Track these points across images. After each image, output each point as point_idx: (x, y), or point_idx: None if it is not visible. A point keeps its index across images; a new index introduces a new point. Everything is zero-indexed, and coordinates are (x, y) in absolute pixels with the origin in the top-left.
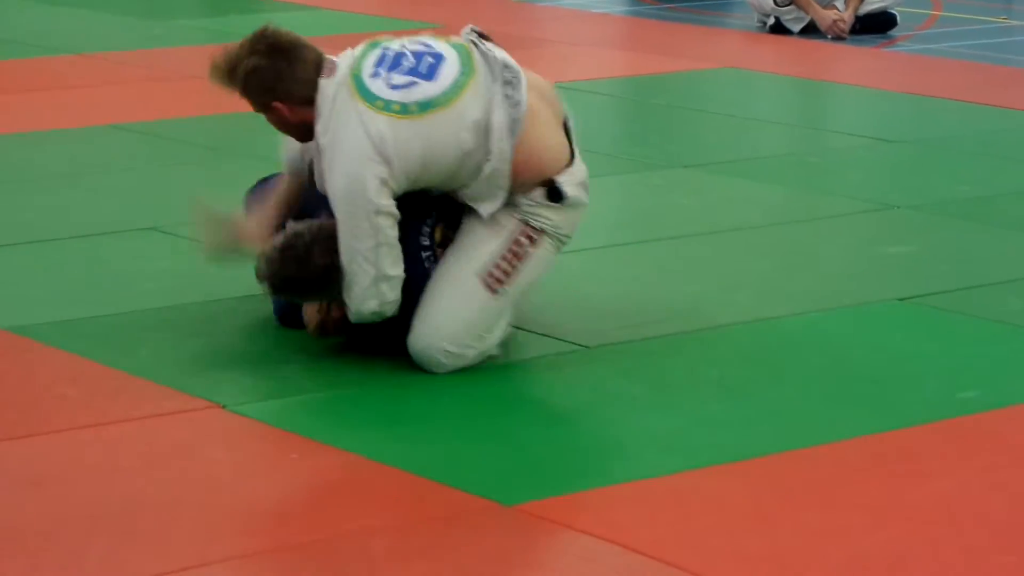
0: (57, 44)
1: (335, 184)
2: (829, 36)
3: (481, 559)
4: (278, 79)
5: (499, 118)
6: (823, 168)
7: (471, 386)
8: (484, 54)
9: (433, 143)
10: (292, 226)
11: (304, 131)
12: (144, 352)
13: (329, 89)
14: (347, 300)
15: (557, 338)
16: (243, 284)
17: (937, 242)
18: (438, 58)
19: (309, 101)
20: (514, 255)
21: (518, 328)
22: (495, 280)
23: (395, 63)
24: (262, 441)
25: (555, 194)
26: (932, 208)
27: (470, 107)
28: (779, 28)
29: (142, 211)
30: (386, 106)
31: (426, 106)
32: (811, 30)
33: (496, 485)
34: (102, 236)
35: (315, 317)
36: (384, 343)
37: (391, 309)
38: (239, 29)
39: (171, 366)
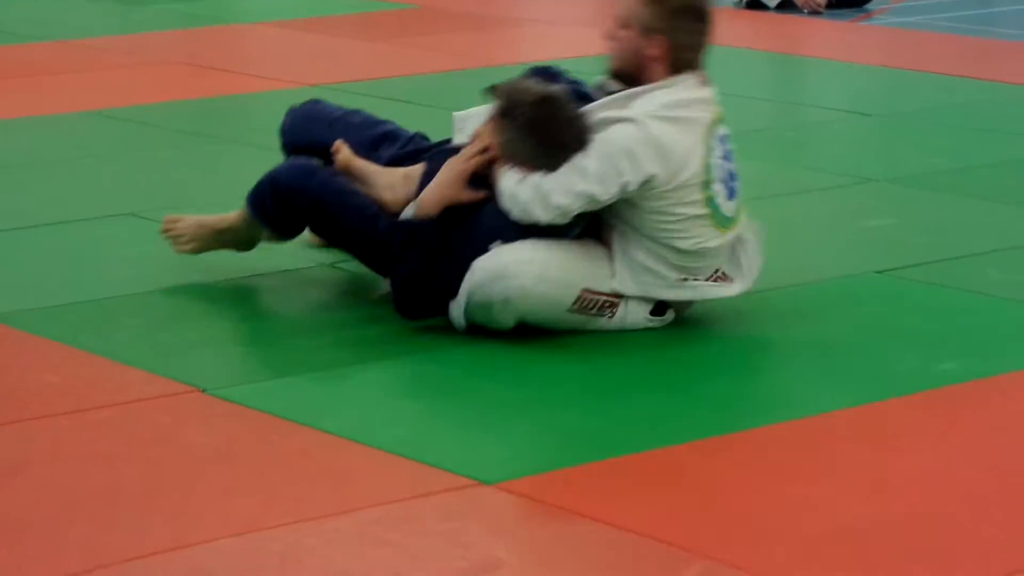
0: (35, 31)
1: (624, 133)
2: (805, 11)
3: (465, 537)
4: (682, 32)
5: None
6: (800, 142)
7: (451, 365)
8: None
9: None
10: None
11: (628, 63)
12: (124, 337)
13: (680, 92)
14: (514, 194)
15: None
16: (222, 269)
17: (915, 214)
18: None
19: (652, 69)
20: None
21: None
22: None
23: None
24: (242, 424)
25: None
26: (910, 181)
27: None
28: (755, 3)
29: (121, 197)
30: (714, 205)
31: (725, 222)
32: (787, 5)
33: (478, 463)
34: (81, 222)
35: (387, 195)
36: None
37: (524, 219)
38: (218, 13)
39: (151, 351)
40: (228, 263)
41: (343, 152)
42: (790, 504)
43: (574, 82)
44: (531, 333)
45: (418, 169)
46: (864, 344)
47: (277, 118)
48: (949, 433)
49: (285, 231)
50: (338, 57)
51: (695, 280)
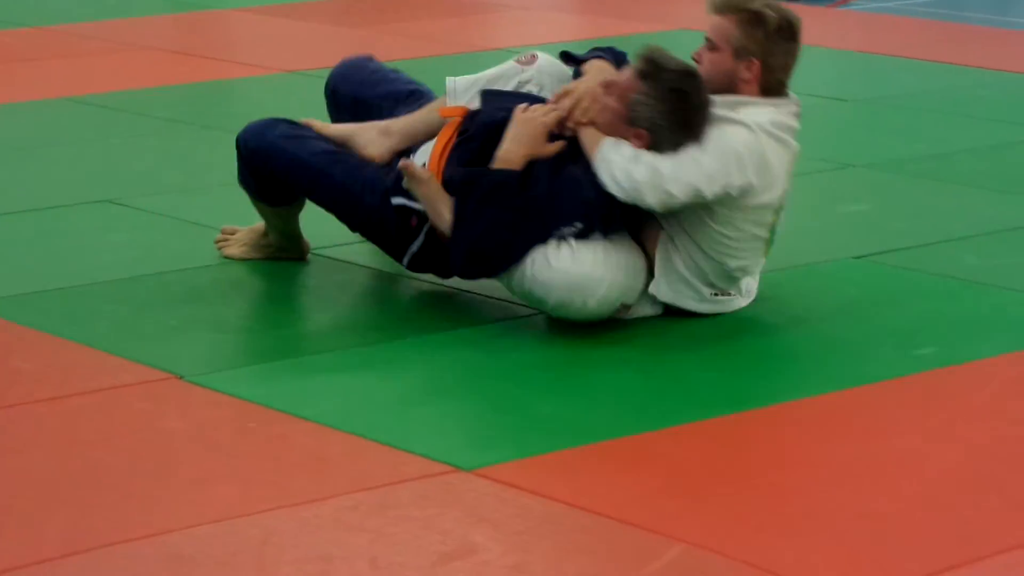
0: (11, 16)
1: (739, 136)
2: None
3: (442, 523)
4: (775, 55)
5: None
6: None
7: (429, 352)
8: None
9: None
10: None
11: (718, 84)
12: (101, 324)
13: (783, 114)
14: (627, 171)
15: (516, 303)
16: (200, 256)
17: (892, 200)
18: None
19: (743, 79)
20: None
21: (478, 295)
22: None
23: None
24: (220, 411)
25: None
26: (887, 166)
27: None
28: None
29: (98, 183)
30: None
31: (769, 250)
32: None
33: (456, 450)
34: (58, 209)
35: (370, 151)
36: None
37: (627, 197)
38: None
39: (128, 338)
40: (205, 251)
41: (313, 123)
42: (768, 489)
43: None
44: (508, 321)
45: (398, 123)
46: (842, 330)
47: (257, 104)
48: (926, 418)
49: (270, 196)
50: (317, 43)
51: (723, 296)
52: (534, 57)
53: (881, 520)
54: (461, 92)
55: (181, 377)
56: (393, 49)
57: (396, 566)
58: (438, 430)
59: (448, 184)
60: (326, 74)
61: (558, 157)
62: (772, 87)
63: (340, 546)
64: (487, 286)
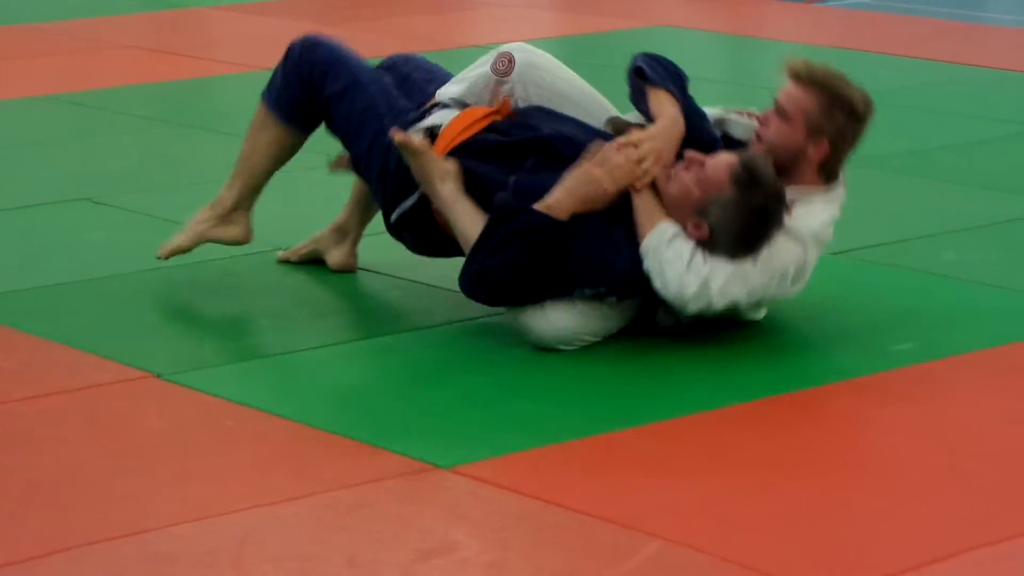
0: None
1: (790, 256)
2: None
3: (421, 521)
4: (846, 140)
5: None
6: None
7: (406, 350)
8: None
9: None
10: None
11: (781, 156)
12: (79, 323)
13: (835, 207)
14: (682, 284)
15: None
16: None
17: (871, 196)
18: None
19: (809, 166)
20: None
21: (454, 292)
22: None
23: None
24: (199, 410)
25: None
26: (865, 162)
27: None
28: None
29: (77, 182)
30: None
31: None
32: None
33: (434, 448)
34: (36, 208)
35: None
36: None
37: (672, 299)
38: None
39: (106, 337)
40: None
41: (398, 135)
42: (745, 486)
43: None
44: (484, 321)
45: (453, 164)
46: (819, 325)
47: (235, 102)
48: (904, 414)
49: (292, 114)
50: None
51: None
52: (511, 63)
53: (858, 515)
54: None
55: (159, 376)
56: (372, 46)
57: (374, 564)
58: (415, 428)
59: (489, 202)
60: None
61: (606, 210)
62: (832, 168)
63: (318, 544)
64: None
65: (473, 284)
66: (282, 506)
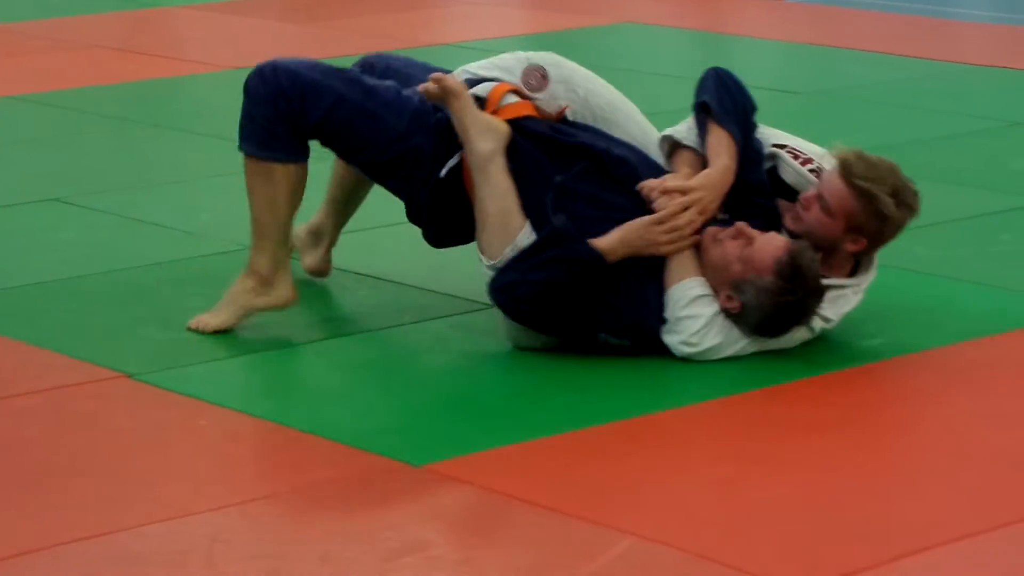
0: None
1: (800, 337)
2: None
3: (393, 518)
4: (883, 237)
5: None
6: None
7: (378, 348)
8: None
9: None
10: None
11: (817, 243)
12: (48, 323)
13: (861, 294)
14: (703, 347)
15: (463, 298)
16: (147, 254)
17: None
18: None
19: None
20: None
21: (428, 290)
22: None
23: None
24: (170, 409)
25: None
26: None
27: None
28: None
29: (46, 182)
30: None
31: None
32: None
33: (405, 446)
34: (5, 208)
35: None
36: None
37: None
38: None
39: (76, 337)
40: (153, 249)
41: (444, 80)
42: (716, 483)
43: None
44: (455, 320)
45: (505, 126)
46: None
47: (202, 102)
48: (874, 409)
49: (291, 150)
50: (265, 40)
51: None
52: (544, 80)
53: (827, 511)
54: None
55: (130, 376)
56: (341, 45)
57: (347, 562)
58: (388, 426)
59: (524, 187)
60: None
61: (644, 264)
62: (864, 259)
63: (290, 543)
64: (438, 282)
65: (503, 292)
66: (254, 505)
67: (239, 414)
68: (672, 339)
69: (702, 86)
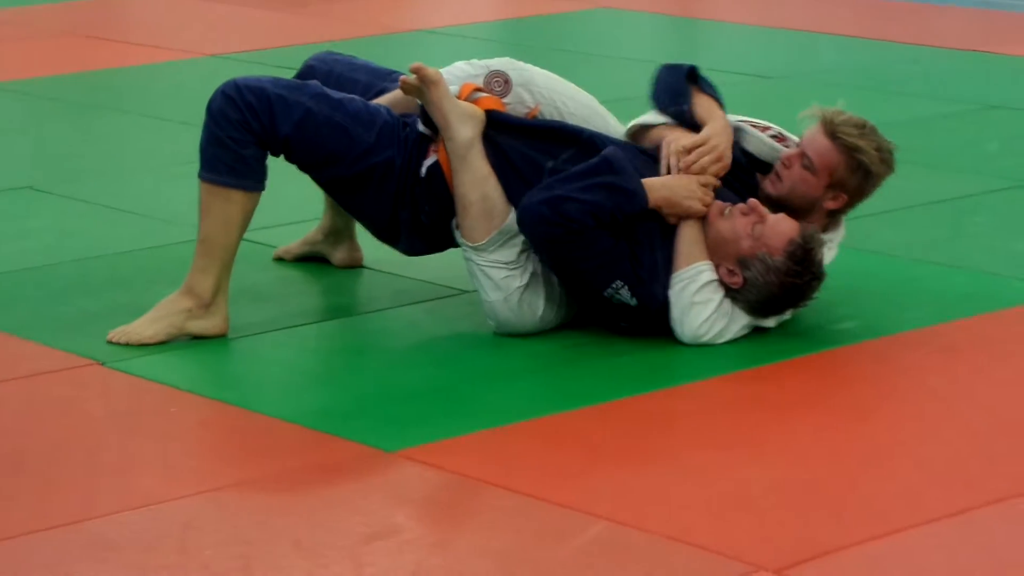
0: None
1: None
2: None
3: (365, 504)
4: (861, 196)
5: None
6: None
7: (350, 335)
8: None
9: None
10: None
11: (798, 201)
12: (22, 311)
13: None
14: (709, 317)
15: (437, 284)
16: (120, 241)
17: None
18: None
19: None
20: None
21: (399, 275)
22: None
23: None
24: (142, 396)
25: None
26: None
27: None
28: None
29: (16, 170)
30: None
31: None
32: None
33: (378, 432)
34: None
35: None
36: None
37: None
38: None
39: (49, 324)
40: (125, 236)
41: (424, 69)
42: (689, 466)
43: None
44: (427, 306)
45: (481, 112)
46: None
47: (173, 89)
48: (846, 393)
49: (260, 174)
50: (234, 26)
51: None
52: (508, 84)
53: (799, 494)
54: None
55: (102, 363)
56: (314, 31)
57: (320, 547)
58: (360, 413)
59: (512, 178)
60: (246, 57)
61: (655, 231)
62: (838, 216)
63: (263, 529)
64: (411, 268)
65: (548, 205)
66: (226, 492)
67: (211, 401)
68: (681, 328)
69: (659, 78)
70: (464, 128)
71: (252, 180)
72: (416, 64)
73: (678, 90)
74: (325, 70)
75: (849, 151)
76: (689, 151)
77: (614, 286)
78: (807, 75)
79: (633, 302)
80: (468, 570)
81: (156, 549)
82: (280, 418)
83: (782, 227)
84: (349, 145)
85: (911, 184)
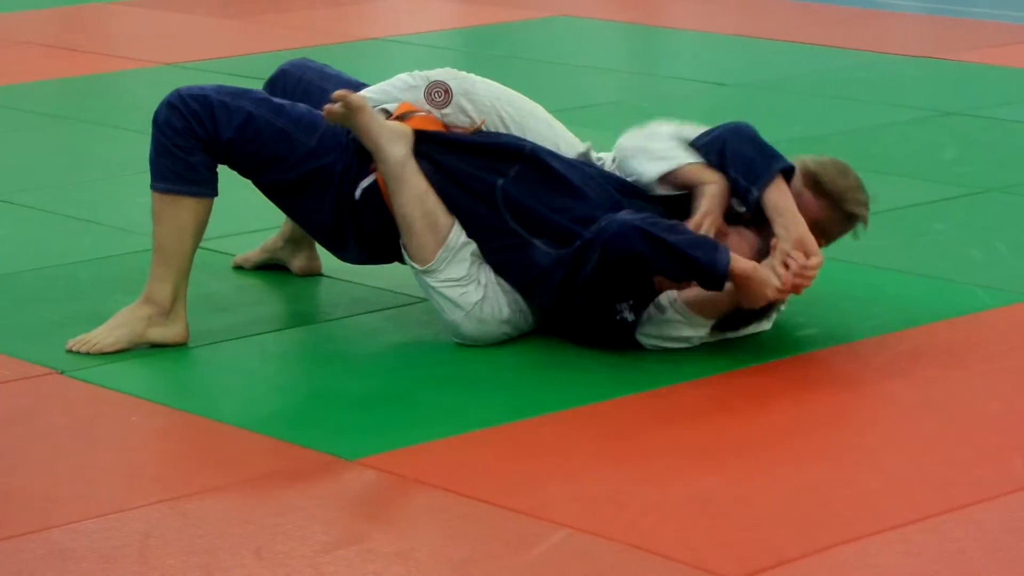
0: None
1: None
2: None
3: (326, 512)
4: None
5: None
6: (655, 114)
7: (310, 343)
8: None
9: None
10: None
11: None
12: None
13: None
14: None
15: (396, 292)
16: (80, 250)
17: None
18: None
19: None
20: None
21: (359, 284)
22: None
23: None
24: (103, 405)
25: None
26: None
27: None
28: None
29: None
30: None
31: None
32: None
33: (339, 440)
34: None
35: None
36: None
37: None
38: None
39: (8, 333)
40: (86, 246)
41: (347, 96)
42: (650, 473)
43: None
44: (388, 313)
45: (409, 128)
46: None
47: (137, 98)
48: (806, 400)
49: (211, 179)
50: (197, 35)
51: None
52: (448, 95)
53: (760, 501)
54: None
55: (62, 372)
56: (272, 40)
57: (281, 555)
58: (320, 420)
59: (462, 196)
60: (207, 66)
61: None
62: None
63: (224, 538)
64: (370, 275)
65: (646, 227)
66: (187, 501)
67: (171, 410)
68: (647, 336)
69: (736, 142)
70: (395, 148)
71: (203, 187)
72: (339, 91)
73: (758, 173)
74: (296, 76)
75: (838, 206)
76: (800, 265)
77: (627, 304)
78: (763, 82)
79: (631, 318)
80: None
81: (116, 559)
82: (240, 426)
83: (744, 245)
84: (290, 149)
85: (868, 192)
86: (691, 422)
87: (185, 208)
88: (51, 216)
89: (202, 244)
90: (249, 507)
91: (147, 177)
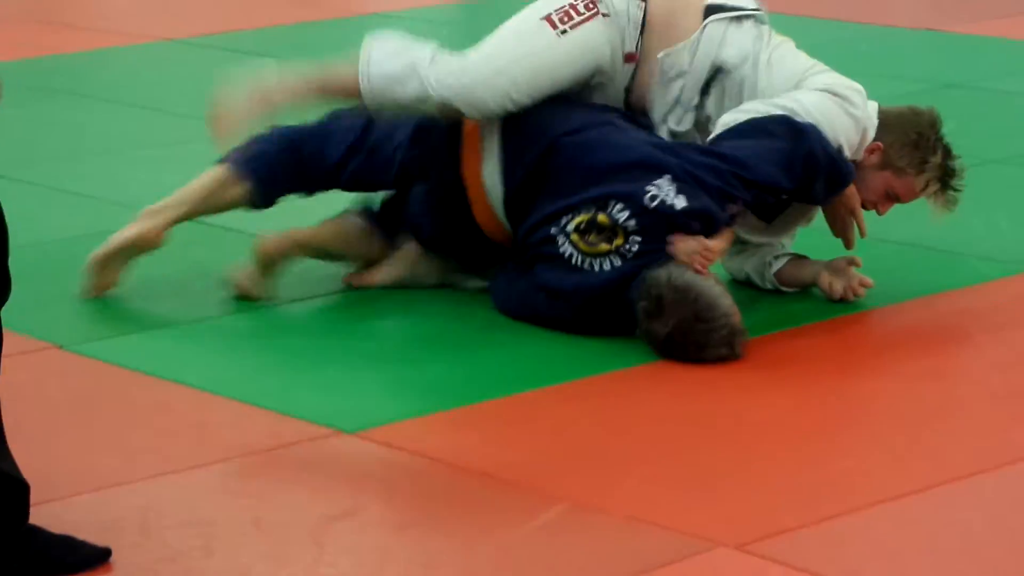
0: None
1: None
2: None
3: (324, 485)
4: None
5: None
6: None
7: (309, 317)
8: None
9: None
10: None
11: None
12: None
13: None
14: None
15: None
16: (77, 224)
17: None
18: None
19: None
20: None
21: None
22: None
23: None
24: (101, 379)
25: None
26: None
27: None
28: None
29: None
30: None
31: None
32: None
33: (337, 413)
34: None
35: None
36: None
37: None
38: None
39: (6, 307)
40: (83, 221)
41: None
42: (647, 447)
43: None
44: (388, 291)
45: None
46: None
47: (127, 73)
48: (805, 371)
49: (273, 196)
50: (189, 10)
51: None
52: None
53: (757, 473)
54: (376, 63)
55: (60, 346)
56: (268, 14)
57: (280, 527)
58: (320, 393)
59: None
60: (202, 42)
61: None
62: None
63: (223, 510)
64: None
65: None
66: (186, 474)
67: (170, 383)
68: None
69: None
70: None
71: (270, 192)
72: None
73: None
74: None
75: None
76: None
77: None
78: None
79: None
80: (430, 551)
81: (115, 531)
82: (240, 400)
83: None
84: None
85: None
86: (688, 395)
87: (231, 189)
88: (48, 191)
89: (201, 219)
90: (248, 480)
91: (144, 152)
